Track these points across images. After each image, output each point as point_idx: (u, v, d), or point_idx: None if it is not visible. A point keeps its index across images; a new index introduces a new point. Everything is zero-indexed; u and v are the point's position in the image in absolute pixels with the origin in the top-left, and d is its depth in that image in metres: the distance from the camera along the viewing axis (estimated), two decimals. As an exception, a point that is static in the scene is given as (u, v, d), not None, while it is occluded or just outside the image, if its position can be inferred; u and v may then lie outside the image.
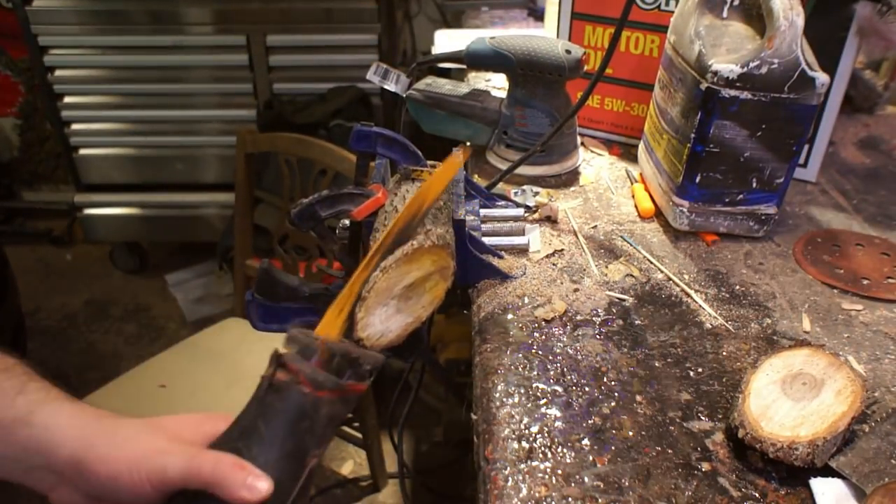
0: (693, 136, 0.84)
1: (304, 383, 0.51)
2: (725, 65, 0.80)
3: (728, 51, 0.83)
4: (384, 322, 0.62)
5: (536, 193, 0.98)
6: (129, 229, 2.44)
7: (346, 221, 0.80)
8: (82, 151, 2.30)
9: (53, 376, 0.56)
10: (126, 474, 0.48)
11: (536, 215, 0.93)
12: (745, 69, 0.79)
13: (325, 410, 0.51)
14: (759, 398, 0.62)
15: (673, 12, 0.95)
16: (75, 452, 0.50)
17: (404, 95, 1.08)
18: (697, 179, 0.87)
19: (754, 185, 0.87)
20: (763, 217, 0.89)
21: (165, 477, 0.48)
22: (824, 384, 0.62)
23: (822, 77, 0.79)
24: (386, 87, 1.07)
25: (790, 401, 0.61)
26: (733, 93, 0.80)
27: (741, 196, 0.88)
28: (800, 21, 0.77)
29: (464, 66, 1.07)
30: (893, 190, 1.04)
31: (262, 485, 0.47)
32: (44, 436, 0.50)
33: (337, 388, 0.52)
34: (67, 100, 2.23)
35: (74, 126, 2.27)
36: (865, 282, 0.82)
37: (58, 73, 2.19)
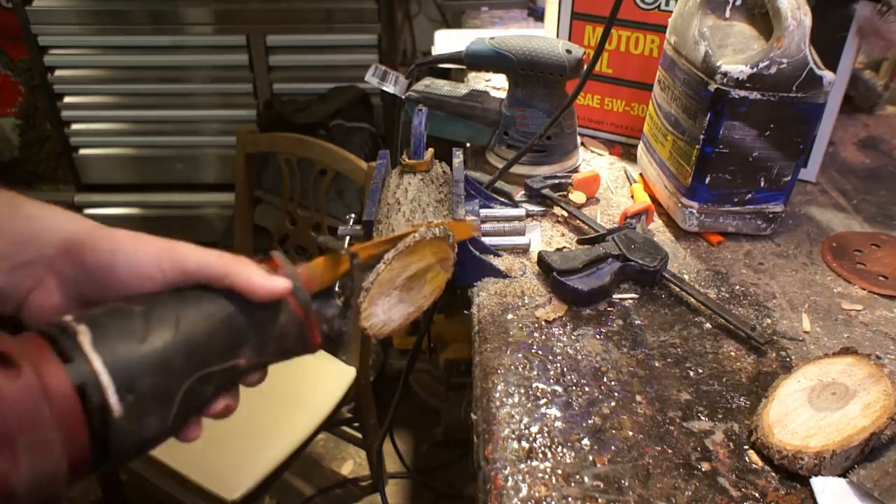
0: (702, 137, 0.84)
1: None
2: (734, 66, 0.80)
3: (734, 51, 0.83)
4: (387, 312, 0.63)
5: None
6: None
7: (353, 215, 0.82)
8: (82, 151, 2.30)
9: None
10: (132, 251, 0.46)
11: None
12: (755, 69, 0.79)
13: (284, 319, 0.49)
14: (781, 405, 0.61)
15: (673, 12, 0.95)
16: (75, 235, 0.47)
17: (403, 97, 1.08)
18: (707, 181, 0.87)
19: (762, 184, 0.87)
20: (770, 215, 0.89)
21: (182, 263, 0.46)
22: (855, 396, 0.60)
23: (828, 76, 0.79)
24: (385, 88, 1.07)
25: (812, 410, 0.60)
26: (742, 93, 0.80)
27: (749, 195, 0.88)
28: (807, 20, 0.77)
29: (463, 67, 1.07)
30: (893, 190, 1.04)
31: (284, 282, 0.47)
32: (37, 225, 0.47)
33: (304, 306, 0.50)
34: (67, 100, 2.23)
35: (74, 126, 2.26)
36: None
37: (58, 73, 2.19)
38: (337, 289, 0.56)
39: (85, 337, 0.41)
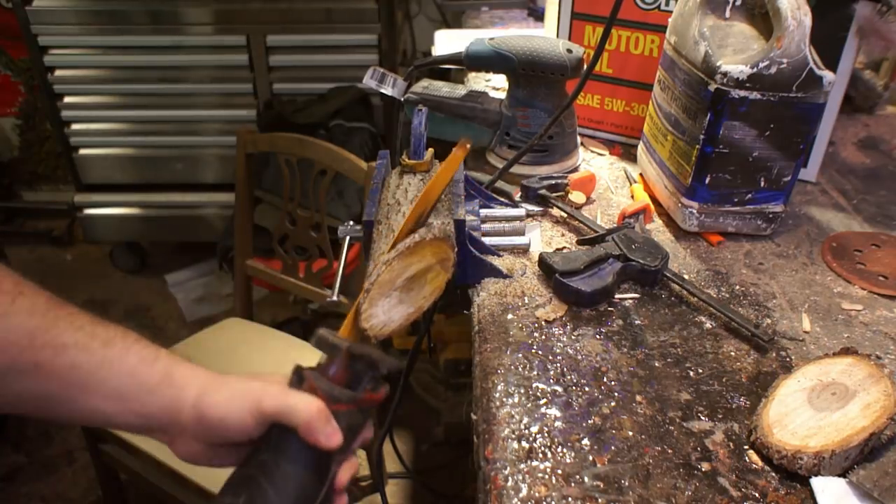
0: (702, 137, 0.84)
1: (322, 398, 0.54)
2: (734, 66, 0.80)
3: (735, 51, 0.83)
4: (387, 312, 0.63)
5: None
6: (129, 229, 2.44)
7: (352, 222, 0.83)
8: (82, 151, 2.30)
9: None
10: (233, 412, 0.55)
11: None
12: (755, 69, 0.79)
13: (343, 423, 0.54)
14: (781, 405, 0.61)
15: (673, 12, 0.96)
16: (197, 404, 0.56)
17: (402, 99, 1.08)
18: (707, 181, 0.87)
19: (762, 184, 0.87)
20: (770, 215, 0.89)
21: (262, 408, 0.54)
22: (855, 396, 0.60)
23: (829, 76, 0.79)
24: (383, 91, 1.07)
25: (812, 410, 0.60)
26: (743, 93, 0.80)
27: (749, 195, 0.88)
28: (807, 21, 0.78)
29: (463, 67, 1.07)
30: (893, 190, 1.04)
31: (339, 438, 0.54)
32: (180, 394, 0.57)
33: (352, 401, 0.55)
34: (67, 100, 2.23)
35: (74, 126, 2.26)
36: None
37: (58, 73, 2.19)
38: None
39: None
